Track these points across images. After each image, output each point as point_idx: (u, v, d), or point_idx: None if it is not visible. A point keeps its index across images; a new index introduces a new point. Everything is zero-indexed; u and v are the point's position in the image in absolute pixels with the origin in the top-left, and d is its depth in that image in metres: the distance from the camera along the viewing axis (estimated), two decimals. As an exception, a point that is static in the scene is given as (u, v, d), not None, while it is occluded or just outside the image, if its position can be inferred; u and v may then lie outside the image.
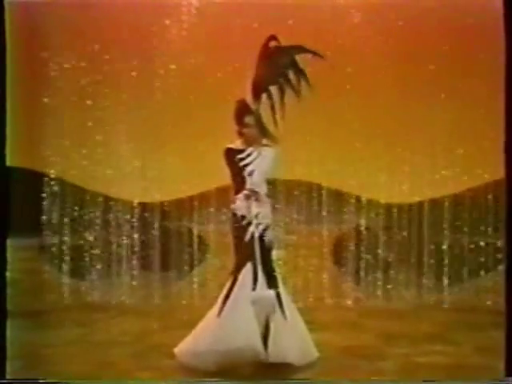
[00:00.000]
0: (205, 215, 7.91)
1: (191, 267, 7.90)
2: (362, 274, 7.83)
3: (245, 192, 5.37)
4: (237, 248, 5.42)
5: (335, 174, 7.60)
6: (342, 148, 7.53)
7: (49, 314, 7.14)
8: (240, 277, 5.28)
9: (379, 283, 7.76)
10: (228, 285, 5.36)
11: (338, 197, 7.88)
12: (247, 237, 5.33)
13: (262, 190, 5.42)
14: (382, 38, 7.13)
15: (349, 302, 7.68)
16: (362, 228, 7.89)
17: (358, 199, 7.79)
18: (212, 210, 7.82)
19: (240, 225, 5.37)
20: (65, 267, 7.69)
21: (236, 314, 5.19)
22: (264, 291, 5.24)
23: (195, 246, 7.90)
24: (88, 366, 5.42)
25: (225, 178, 5.54)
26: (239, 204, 5.39)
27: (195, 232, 7.96)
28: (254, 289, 5.23)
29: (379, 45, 7.12)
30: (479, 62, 7.16)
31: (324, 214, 7.83)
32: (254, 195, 5.35)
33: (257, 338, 5.14)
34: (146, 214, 7.79)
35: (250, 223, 5.34)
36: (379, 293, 7.74)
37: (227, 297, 5.29)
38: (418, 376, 5.23)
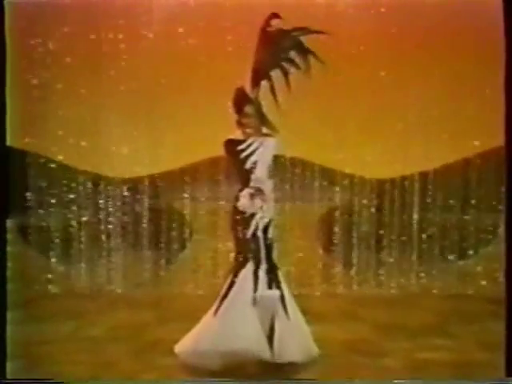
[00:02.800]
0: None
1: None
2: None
3: (249, 190, 5.19)
4: (238, 244, 5.25)
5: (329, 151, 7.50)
6: (335, 125, 7.37)
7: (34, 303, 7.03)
8: (241, 275, 5.14)
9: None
10: (228, 282, 5.22)
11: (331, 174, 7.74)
12: (250, 231, 5.17)
13: (267, 186, 5.24)
14: (381, 27, 7.17)
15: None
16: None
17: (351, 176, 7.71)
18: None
19: (242, 218, 5.18)
20: (52, 250, 7.58)
21: (234, 313, 5.08)
22: (267, 291, 5.12)
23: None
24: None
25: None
26: (243, 202, 5.19)
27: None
28: (255, 288, 5.11)
29: (377, 32, 7.13)
30: (476, 42, 7.14)
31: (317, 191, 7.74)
32: (258, 194, 5.17)
33: (256, 339, 5.02)
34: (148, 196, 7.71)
35: (253, 216, 5.16)
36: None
37: (225, 295, 5.16)
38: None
